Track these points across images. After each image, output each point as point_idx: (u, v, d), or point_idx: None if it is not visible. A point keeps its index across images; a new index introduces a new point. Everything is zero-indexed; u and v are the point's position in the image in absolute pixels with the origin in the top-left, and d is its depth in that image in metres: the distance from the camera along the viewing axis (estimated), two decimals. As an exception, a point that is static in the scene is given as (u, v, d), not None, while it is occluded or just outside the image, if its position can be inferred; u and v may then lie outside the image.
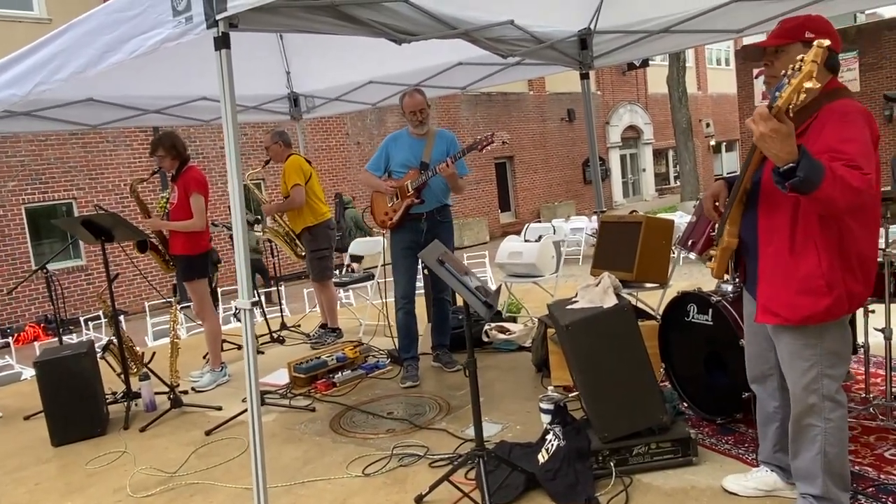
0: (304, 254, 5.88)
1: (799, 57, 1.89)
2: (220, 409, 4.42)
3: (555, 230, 5.73)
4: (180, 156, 4.84)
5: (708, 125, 31.58)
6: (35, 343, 9.78)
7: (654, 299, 4.64)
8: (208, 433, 4.01)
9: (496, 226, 21.00)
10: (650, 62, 26.32)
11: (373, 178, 4.59)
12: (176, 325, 4.66)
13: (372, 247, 6.75)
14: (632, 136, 27.47)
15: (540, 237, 5.38)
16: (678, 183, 31.55)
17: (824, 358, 2.24)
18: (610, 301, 2.90)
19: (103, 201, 13.40)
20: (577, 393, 3.44)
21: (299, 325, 6.74)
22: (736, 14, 4.27)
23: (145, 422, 4.31)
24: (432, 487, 2.84)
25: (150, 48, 2.90)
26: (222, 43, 2.68)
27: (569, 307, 3.06)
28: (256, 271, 11.49)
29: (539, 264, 5.20)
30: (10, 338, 10.20)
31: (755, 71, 23.17)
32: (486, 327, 5.12)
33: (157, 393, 4.62)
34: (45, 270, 5.24)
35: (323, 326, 6.08)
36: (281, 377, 4.97)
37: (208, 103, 6.16)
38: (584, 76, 5.15)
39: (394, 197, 4.47)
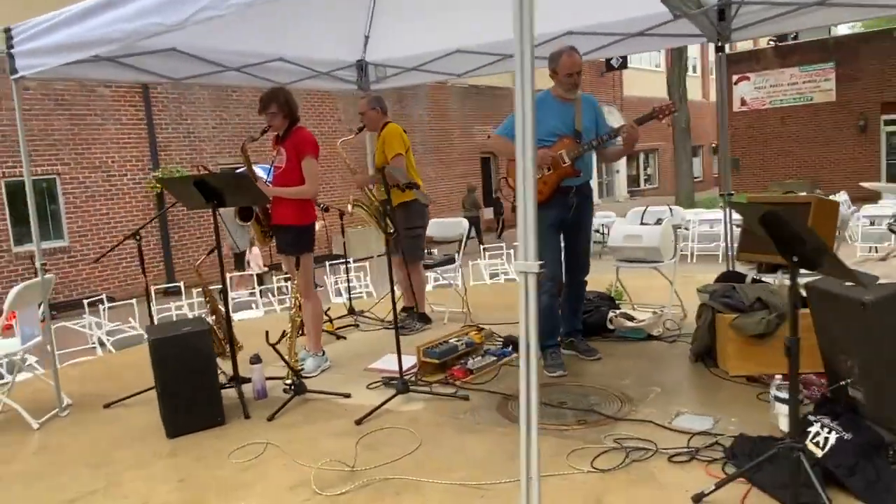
0: (392, 231, 5.39)
1: None
2: (348, 396, 3.94)
3: (672, 212, 5.43)
4: (292, 114, 4.31)
5: (677, 130, 32.04)
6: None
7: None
8: (359, 423, 3.53)
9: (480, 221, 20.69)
10: (628, 65, 26.62)
11: (512, 146, 4.16)
12: (298, 300, 4.12)
13: (449, 229, 6.29)
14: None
15: (659, 220, 5.06)
16: (647, 185, 32.08)
17: None
18: (913, 276, 2.59)
19: (89, 178, 12.50)
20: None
21: (363, 311, 6.25)
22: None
23: (266, 410, 3.80)
24: (719, 485, 2.48)
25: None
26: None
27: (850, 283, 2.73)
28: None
29: (662, 248, 4.89)
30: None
31: (735, 77, 23.63)
32: (611, 314, 4.78)
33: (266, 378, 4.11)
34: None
35: (406, 310, 5.62)
36: (392, 363, 4.52)
37: (284, 65, 5.65)
38: (720, 49, 4.87)
39: (544, 168, 4.07)
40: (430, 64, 6.07)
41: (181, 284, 9.42)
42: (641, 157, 31.04)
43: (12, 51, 3.82)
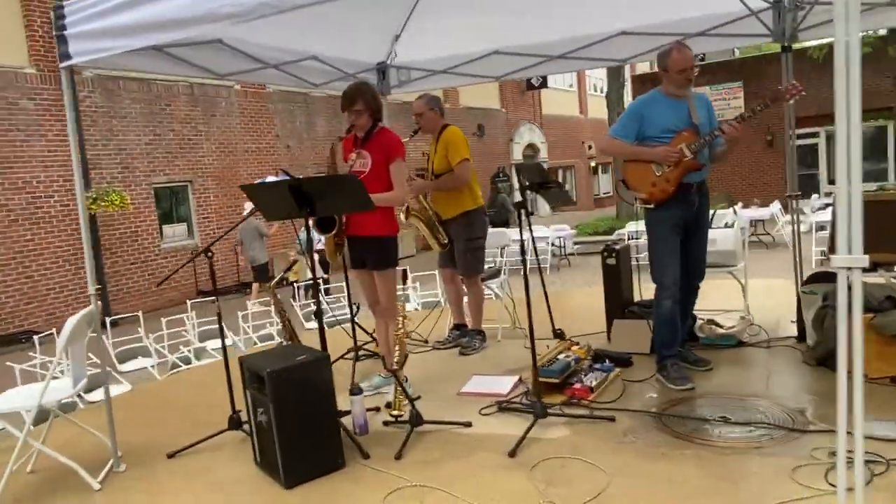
0: (446, 242, 4.98)
1: None
2: (469, 425, 3.50)
3: (736, 214, 5.30)
4: (378, 112, 3.85)
5: (590, 147, 33.03)
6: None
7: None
8: (513, 455, 3.10)
9: (417, 238, 20.37)
10: (548, 85, 27.28)
11: (629, 146, 3.94)
12: (405, 319, 3.62)
13: (494, 239, 5.82)
14: (531, 154, 28.04)
15: (725, 224, 4.94)
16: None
17: None
18: None
19: (11, 201, 11.17)
20: None
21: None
22: None
23: (376, 446, 3.29)
24: None
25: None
26: None
27: None
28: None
29: (738, 251, 4.76)
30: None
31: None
32: (699, 322, 4.58)
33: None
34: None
35: (457, 328, 5.20)
36: (485, 385, 4.12)
37: (317, 65, 5.14)
38: (786, 49, 4.83)
39: (664, 165, 3.84)
40: (463, 66, 5.72)
41: (140, 314, 8.50)
42: (561, 172, 31.68)
43: (65, 32, 3.17)
